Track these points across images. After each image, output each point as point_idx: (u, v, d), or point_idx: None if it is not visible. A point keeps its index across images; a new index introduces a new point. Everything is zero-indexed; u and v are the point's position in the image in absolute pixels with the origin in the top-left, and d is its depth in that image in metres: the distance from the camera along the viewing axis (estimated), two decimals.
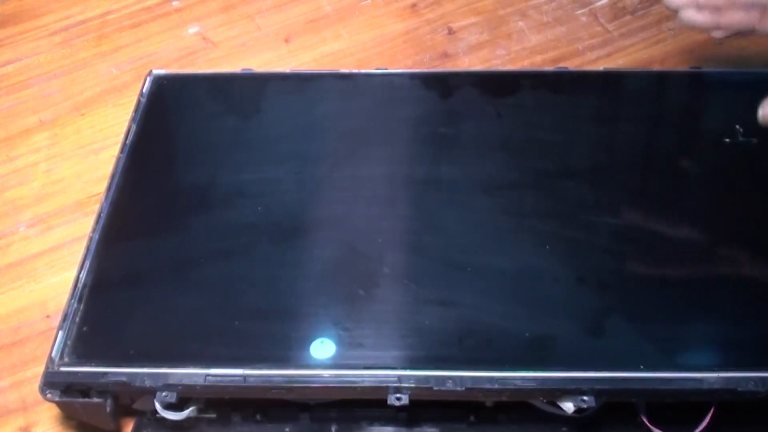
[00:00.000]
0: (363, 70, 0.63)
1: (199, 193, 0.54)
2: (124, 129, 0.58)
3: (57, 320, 0.47)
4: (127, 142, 0.56)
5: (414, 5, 0.74)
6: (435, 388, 0.42)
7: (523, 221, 0.51)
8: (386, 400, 0.43)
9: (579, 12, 0.73)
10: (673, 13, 0.54)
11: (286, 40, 0.72)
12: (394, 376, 0.43)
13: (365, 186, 0.54)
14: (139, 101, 0.59)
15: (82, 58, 0.72)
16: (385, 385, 0.43)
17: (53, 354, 0.45)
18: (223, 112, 0.59)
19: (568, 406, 0.43)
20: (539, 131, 0.55)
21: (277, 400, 0.45)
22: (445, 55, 0.70)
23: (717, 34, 0.53)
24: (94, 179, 0.62)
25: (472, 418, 0.46)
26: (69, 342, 0.45)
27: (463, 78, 0.61)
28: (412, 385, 0.42)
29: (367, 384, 0.43)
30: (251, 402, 0.46)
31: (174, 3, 0.76)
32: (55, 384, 0.44)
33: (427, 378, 0.43)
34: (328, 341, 0.45)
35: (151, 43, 0.73)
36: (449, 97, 0.59)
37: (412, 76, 0.62)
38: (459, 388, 0.42)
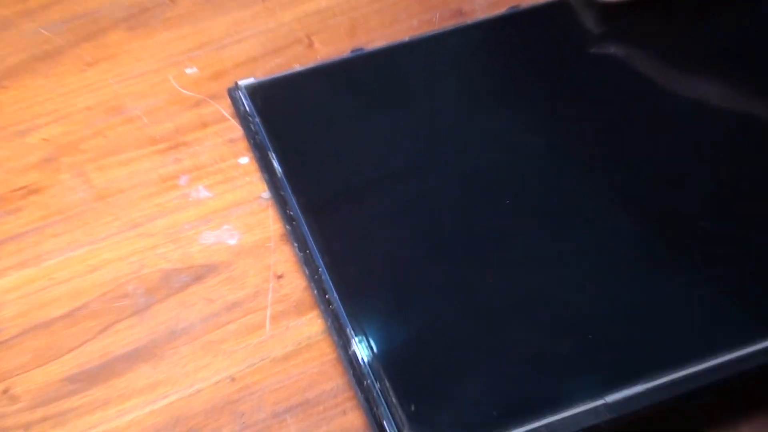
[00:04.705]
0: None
1: (393, 201, 0.46)
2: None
3: None
4: (276, 167, 0.49)
5: None
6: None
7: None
8: None
9: None
10: None
11: None
12: None
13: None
14: (247, 121, 0.51)
15: (2, 16, 0.60)
16: None
17: None
18: (347, 105, 0.52)
19: None
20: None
21: None
22: (460, 13, 0.59)
23: None
24: (18, 168, 0.51)
25: None
26: (404, 428, 0.38)
27: None
28: None
29: None
30: None
31: None
32: None
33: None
34: None
35: None
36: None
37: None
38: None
